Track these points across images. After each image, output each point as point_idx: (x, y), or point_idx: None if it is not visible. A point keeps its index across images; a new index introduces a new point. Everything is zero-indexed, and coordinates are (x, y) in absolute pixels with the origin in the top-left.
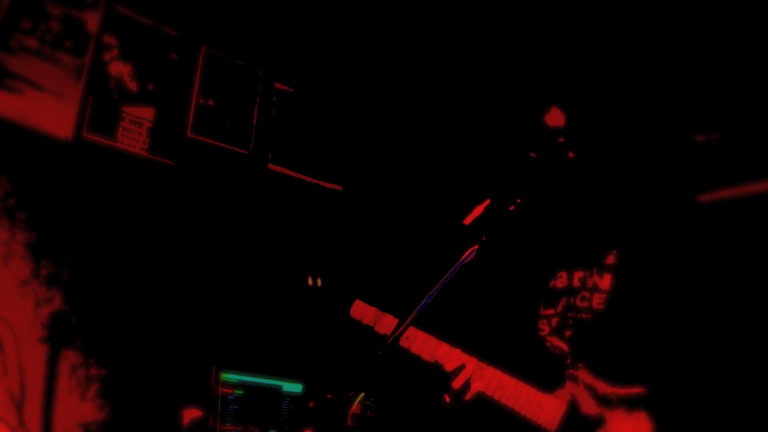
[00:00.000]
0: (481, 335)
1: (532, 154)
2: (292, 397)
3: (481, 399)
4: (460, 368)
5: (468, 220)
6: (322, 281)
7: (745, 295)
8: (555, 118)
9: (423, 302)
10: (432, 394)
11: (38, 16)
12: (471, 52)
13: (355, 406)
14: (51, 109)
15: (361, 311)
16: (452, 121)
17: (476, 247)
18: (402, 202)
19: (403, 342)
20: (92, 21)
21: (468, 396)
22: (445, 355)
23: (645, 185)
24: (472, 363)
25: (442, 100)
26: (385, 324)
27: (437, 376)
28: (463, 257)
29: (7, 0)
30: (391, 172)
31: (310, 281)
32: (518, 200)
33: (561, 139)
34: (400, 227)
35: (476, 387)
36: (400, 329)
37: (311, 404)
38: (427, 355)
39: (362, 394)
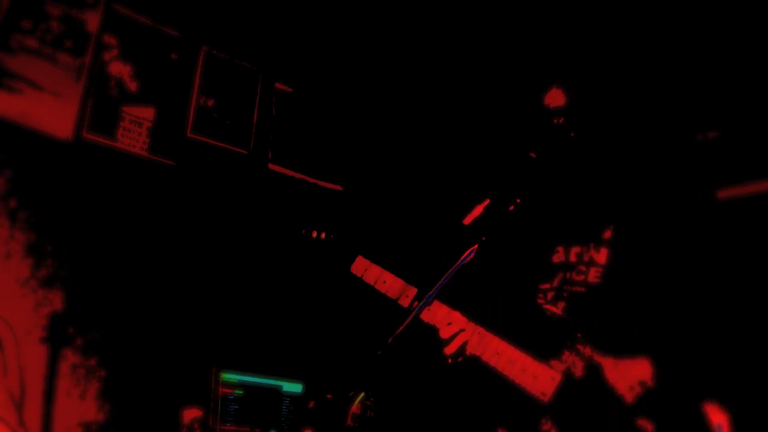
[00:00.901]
0: (483, 302)
1: (532, 154)
2: (292, 397)
3: (476, 363)
4: (456, 335)
5: (468, 220)
6: (327, 235)
7: (739, 268)
8: (555, 97)
9: (423, 302)
10: (427, 355)
11: (38, 16)
12: (471, 52)
13: (355, 406)
14: (51, 109)
15: (363, 267)
16: (452, 121)
17: (476, 247)
18: (402, 202)
19: (402, 300)
20: (92, 21)
21: (461, 359)
22: (444, 318)
23: (642, 164)
24: (470, 327)
25: (442, 100)
26: (387, 281)
27: (433, 339)
28: (463, 257)
29: (7, 0)
30: (391, 172)
31: (314, 234)
32: (518, 200)
33: (561, 120)
34: (401, 227)
35: (471, 350)
36: (400, 329)
37: (311, 404)
38: (426, 317)
39: (362, 394)
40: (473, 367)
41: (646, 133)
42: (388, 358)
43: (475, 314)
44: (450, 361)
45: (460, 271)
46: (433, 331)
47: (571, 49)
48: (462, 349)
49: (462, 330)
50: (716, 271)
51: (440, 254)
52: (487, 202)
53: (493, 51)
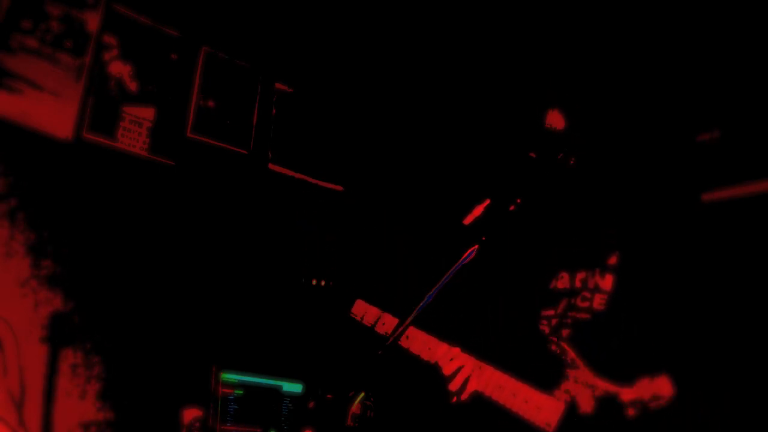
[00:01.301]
0: (482, 334)
1: (532, 154)
2: (292, 397)
3: (479, 399)
4: (458, 371)
5: (468, 220)
6: (326, 281)
7: (747, 294)
8: (554, 120)
9: (423, 302)
10: (430, 394)
11: (38, 16)
12: (471, 52)
13: (355, 406)
14: (51, 109)
15: (362, 310)
16: (452, 121)
17: (476, 247)
18: (402, 202)
19: (403, 342)
20: (92, 21)
21: (465, 395)
22: (445, 355)
23: (648, 185)
24: (470, 362)
25: (442, 100)
26: (386, 323)
27: (435, 376)
28: (463, 257)
29: (7, 0)
30: (391, 172)
31: (314, 281)
32: (518, 200)
33: (560, 155)
34: (401, 227)
35: (474, 386)
36: (400, 329)
37: (311, 404)
38: (426, 355)
39: (362, 394)
40: (476, 402)
41: (651, 151)
42: (389, 354)
43: (476, 347)
44: (455, 399)
45: (460, 271)
46: (435, 368)
47: (572, 49)
48: (464, 385)
49: (463, 366)
50: (726, 299)
51: (440, 254)
52: (487, 202)
53: (493, 51)
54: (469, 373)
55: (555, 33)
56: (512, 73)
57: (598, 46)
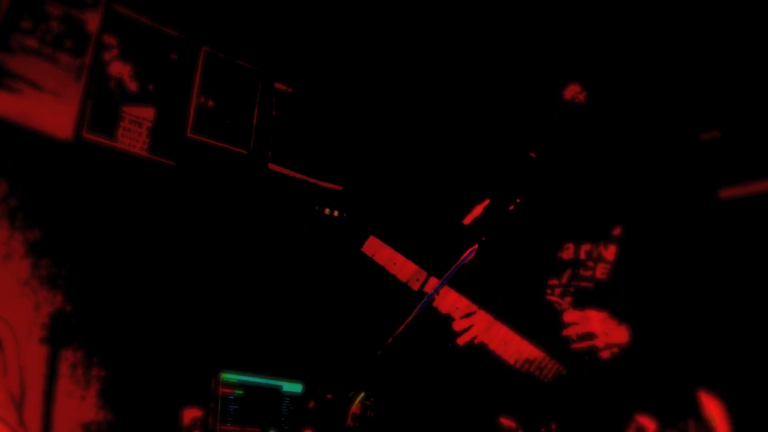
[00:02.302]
0: (491, 294)
1: (532, 154)
2: (292, 397)
3: (483, 353)
4: (468, 328)
5: (468, 220)
6: (339, 213)
7: (745, 270)
8: (575, 92)
9: (423, 302)
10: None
11: (38, 16)
12: (471, 52)
13: (355, 406)
14: (51, 109)
15: (374, 248)
16: (452, 120)
17: (476, 247)
18: (402, 202)
19: (412, 284)
20: (92, 21)
21: (466, 340)
22: (454, 303)
23: (651, 166)
24: (480, 314)
25: (442, 100)
26: (397, 263)
27: (445, 327)
28: (463, 257)
29: (7, 0)
30: (391, 172)
31: (326, 211)
32: (518, 200)
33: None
34: (401, 227)
35: (480, 338)
36: (400, 329)
37: (311, 404)
38: (435, 302)
39: (362, 394)
40: (479, 354)
41: (649, 133)
42: (389, 354)
43: (485, 303)
44: (460, 342)
45: (460, 270)
46: (446, 319)
47: (572, 47)
48: (472, 336)
49: (473, 313)
50: (721, 268)
51: (440, 254)
52: (487, 202)
53: (493, 50)
54: (476, 324)
55: (557, 31)
56: (512, 72)
57: (601, 40)
